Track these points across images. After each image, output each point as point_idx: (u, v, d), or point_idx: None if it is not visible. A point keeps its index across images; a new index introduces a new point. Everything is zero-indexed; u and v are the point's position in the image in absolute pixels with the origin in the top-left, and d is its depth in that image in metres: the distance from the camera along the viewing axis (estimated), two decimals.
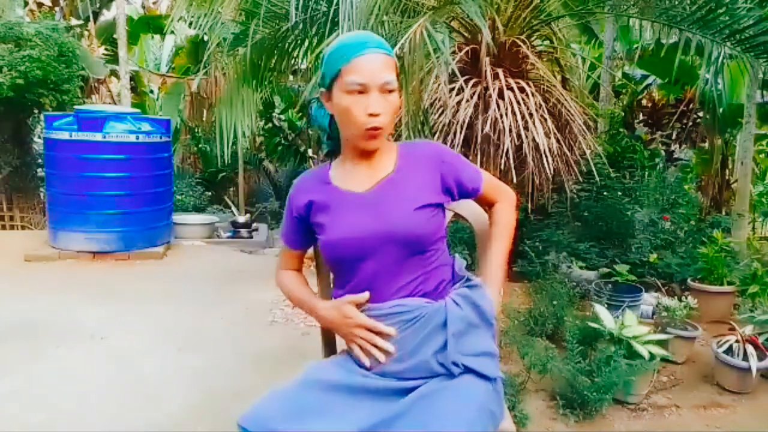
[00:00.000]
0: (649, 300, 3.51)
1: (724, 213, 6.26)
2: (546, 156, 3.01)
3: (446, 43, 3.01)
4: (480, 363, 1.29)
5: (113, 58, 8.48)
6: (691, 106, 6.85)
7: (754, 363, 2.79)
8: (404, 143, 1.44)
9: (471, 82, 3.21)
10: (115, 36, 7.35)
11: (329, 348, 1.62)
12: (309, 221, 1.39)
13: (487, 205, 1.51)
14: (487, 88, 3.15)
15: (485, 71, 3.18)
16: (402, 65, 2.56)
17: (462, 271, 1.41)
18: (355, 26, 2.55)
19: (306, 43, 3.98)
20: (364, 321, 1.29)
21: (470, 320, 1.32)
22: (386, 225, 1.29)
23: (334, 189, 1.36)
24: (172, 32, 9.90)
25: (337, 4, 3.21)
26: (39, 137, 6.33)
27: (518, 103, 3.06)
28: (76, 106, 5.46)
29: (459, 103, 3.17)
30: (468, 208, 1.64)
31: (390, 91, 1.27)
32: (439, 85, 3.34)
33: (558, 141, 3.22)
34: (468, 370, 1.27)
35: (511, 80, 3.17)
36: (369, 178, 1.34)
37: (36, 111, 6.22)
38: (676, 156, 7.08)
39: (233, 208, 7.46)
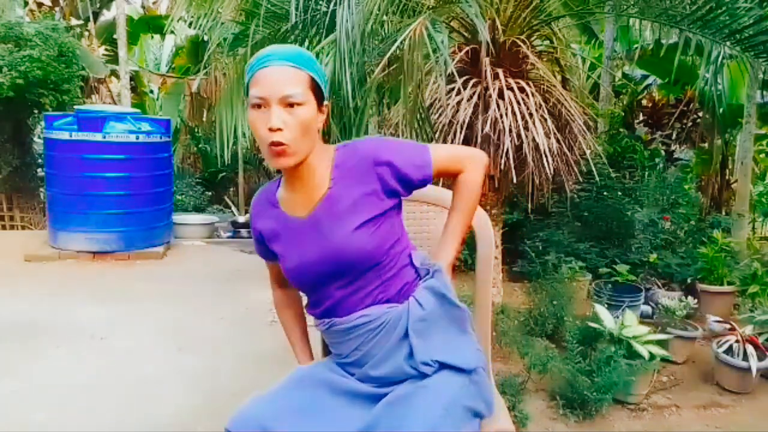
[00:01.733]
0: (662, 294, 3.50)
1: (724, 213, 6.25)
2: (546, 156, 3.00)
3: (445, 42, 3.00)
4: (453, 356, 1.26)
5: (113, 58, 8.48)
6: (691, 106, 6.85)
7: (754, 363, 2.79)
8: (342, 146, 1.31)
9: (471, 82, 3.21)
10: (115, 36, 7.35)
11: (328, 348, 1.62)
12: (267, 246, 1.37)
13: (454, 174, 1.38)
14: (487, 88, 3.15)
15: (485, 71, 3.18)
16: (401, 65, 2.56)
17: (424, 263, 1.34)
18: (354, 28, 2.55)
19: (306, 43, 3.98)
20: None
21: (437, 314, 1.29)
22: (330, 251, 1.25)
23: (281, 214, 1.32)
24: (172, 32, 9.90)
25: (337, 4, 3.21)
26: (39, 137, 6.33)
27: (518, 103, 3.06)
28: (76, 106, 5.46)
29: (459, 103, 3.16)
30: None
31: (293, 105, 1.17)
32: (438, 85, 3.34)
33: (558, 141, 3.21)
34: (442, 365, 1.25)
35: (511, 80, 3.17)
36: (308, 200, 1.28)
37: (36, 111, 6.22)
38: (676, 156, 7.08)
39: (233, 208, 7.47)
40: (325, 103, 1.26)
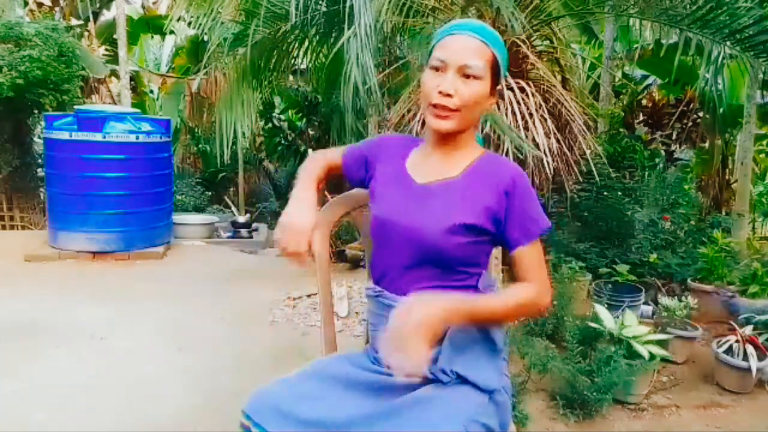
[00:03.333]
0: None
1: (724, 213, 6.26)
2: (546, 156, 3.00)
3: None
4: (475, 373, 1.25)
5: (113, 58, 8.48)
6: (691, 106, 6.85)
7: (754, 363, 2.79)
8: (492, 154, 1.34)
9: None
10: (115, 36, 7.36)
11: (329, 347, 1.62)
12: (369, 174, 1.40)
13: (518, 279, 1.29)
14: None
15: None
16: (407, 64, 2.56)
17: (486, 287, 1.32)
18: (362, 27, 2.55)
19: (306, 43, 3.99)
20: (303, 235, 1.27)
21: (478, 334, 1.28)
22: (416, 228, 1.26)
23: (402, 166, 1.35)
24: (172, 32, 9.90)
25: (338, 4, 3.21)
26: (39, 137, 6.33)
27: (518, 103, 3.05)
28: (76, 106, 5.46)
29: None
30: None
31: (469, 77, 1.21)
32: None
33: (558, 141, 3.21)
34: (463, 380, 1.25)
35: (511, 80, 3.17)
36: (433, 172, 1.30)
37: (36, 111, 6.22)
38: (676, 156, 7.08)
39: (233, 208, 7.46)
40: (498, 87, 1.29)
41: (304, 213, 1.32)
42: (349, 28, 2.66)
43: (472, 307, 1.19)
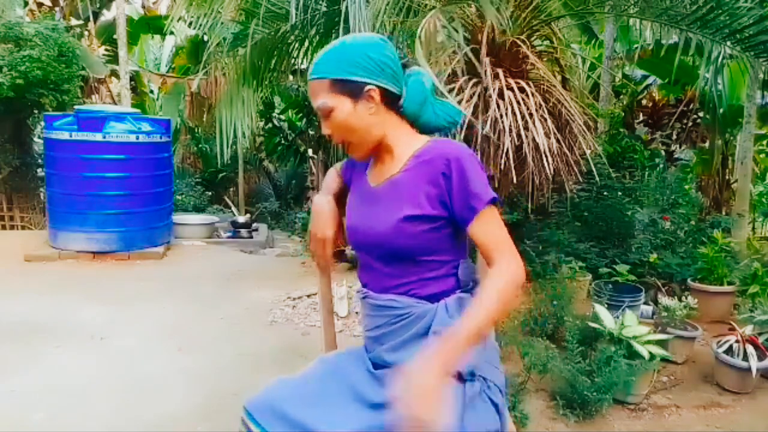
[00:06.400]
0: None
1: (724, 213, 6.26)
2: (546, 156, 3.00)
3: (459, 32, 3.01)
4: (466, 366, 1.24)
5: (113, 58, 8.48)
6: (691, 106, 6.85)
7: (754, 363, 2.79)
8: (435, 140, 1.31)
9: (471, 82, 3.21)
10: (115, 36, 7.35)
11: (329, 347, 1.62)
12: (350, 186, 1.47)
13: (484, 258, 1.24)
14: (487, 88, 3.14)
15: (485, 71, 3.18)
16: (412, 58, 2.57)
17: (467, 276, 1.33)
18: (364, 27, 2.55)
19: (306, 43, 3.98)
20: (327, 237, 1.41)
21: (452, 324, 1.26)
22: (376, 229, 1.31)
23: (364, 175, 1.41)
24: (172, 32, 9.90)
25: (338, 4, 3.21)
26: (39, 137, 6.33)
27: (518, 103, 3.05)
28: (76, 106, 5.47)
29: (459, 103, 3.16)
30: None
31: (328, 114, 1.26)
32: (441, 83, 3.34)
33: (558, 141, 3.21)
34: (458, 377, 1.23)
35: (511, 80, 3.16)
36: (382, 174, 1.35)
37: (36, 111, 6.22)
38: (676, 156, 7.09)
39: (233, 208, 7.47)
40: (368, 88, 1.25)
41: (321, 225, 1.43)
42: (348, 29, 2.66)
43: (461, 336, 1.12)
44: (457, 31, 2.92)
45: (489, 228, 1.22)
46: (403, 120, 1.33)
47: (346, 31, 2.58)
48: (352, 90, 1.25)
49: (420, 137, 1.34)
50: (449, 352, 1.10)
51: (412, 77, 1.32)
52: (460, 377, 1.24)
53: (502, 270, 1.18)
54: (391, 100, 1.30)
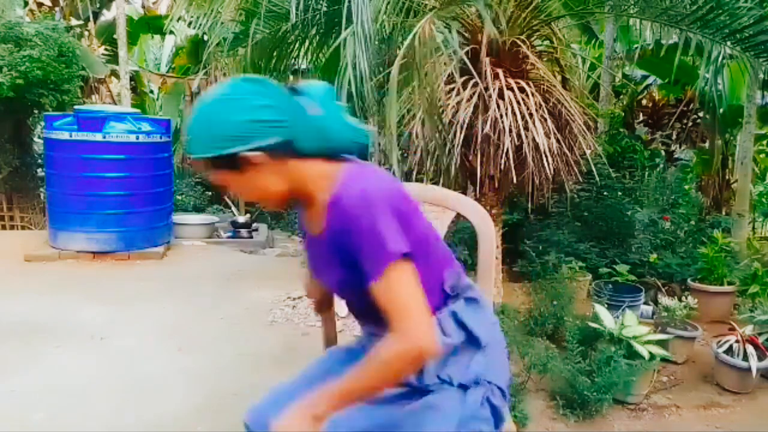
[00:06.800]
0: None
1: (724, 213, 6.26)
2: (546, 156, 3.00)
3: (454, 36, 3.01)
4: (447, 370, 1.23)
5: (113, 58, 8.48)
6: (691, 106, 6.86)
7: (754, 363, 2.79)
8: (337, 195, 1.12)
9: (471, 82, 3.21)
10: (115, 36, 7.35)
11: (330, 347, 1.62)
12: None
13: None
14: (487, 88, 3.15)
15: (485, 71, 3.18)
16: (409, 61, 2.57)
17: (456, 288, 1.26)
18: (364, 28, 2.55)
19: (306, 43, 3.98)
20: None
21: (459, 340, 1.24)
22: (328, 283, 1.32)
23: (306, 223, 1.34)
24: (172, 32, 9.89)
25: (338, 4, 3.21)
26: (39, 137, 6.33)
27: (518, 103, 3.06)
28: (76, 106, 5.46)
29: (459, 103, 3.16)
30: (468, 206, 1.64)
31: (224, 184, 1.15)
32: (439, 85, 3.34)
33: (558, 141, 3.21)
34: (455, 384, 1.23)
35: (511, 80, 3.17)
36: (311, 222, 1.24)
37: (36, 111, 6.22)
38: (676, 156, 7.09)
39: (233, 208, 7.45)
40: (244, 156, 1.09)
41: (308, 290, 1.52)
42: (348, 29, 2.66)
43: (334, 393, 1.10)
44: (451, 34, 2.93)
45: (386, 294, 1.09)
46: (309, 157, 1.16)
47: (348, 26, 2.58)
48: (230, 163, 1.10)
49: (332, 170, 1.16)
50: (317, 406, 1.09)
51: (303, 112, 1.14)
52: (463, 386, 1.22)
53: (396, 340, 1.07)
54: (284, 148, 1.12)
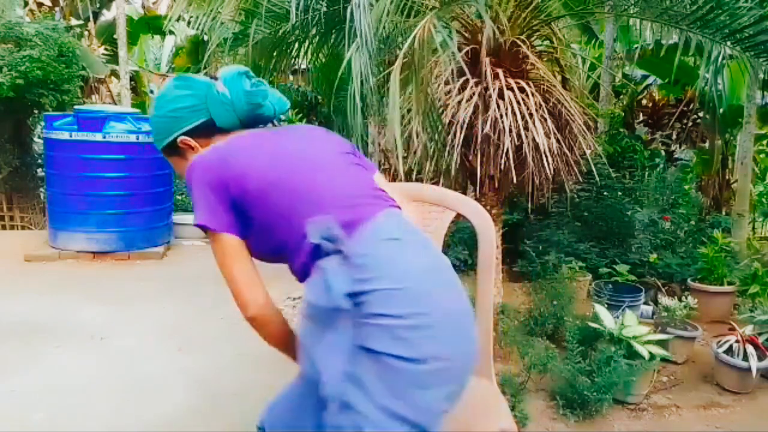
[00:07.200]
0: None
1: (724, 213, 6.26)
2: (546, 156, 3.00)
3: (453, 37, 3.01)
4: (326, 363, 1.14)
5: (113, 58, 8.48)
6: (691, 106, 6.85)
7: (754, 363, 2.79)
8: (199, 154, 1.31)
9: (471, 83, 3.21)
10: (115, 36, 7.35)
11: None
12: None
13: None
14: (487, 88, 3.14)
15: (485, 71, 3.18)
16: (410, 61, 2.57)
17: (325, 235, 1.13)
18: (367, 29, 2.55)
19: (306, 43, 3.98)
20: None
21: (324, 312, 1.11)
22: None
23: None
24: (172, 32, 9.89)
25: (338, 4, 3.21)
26: (39, 137, 6.32)
27: (518, 103, 3.05)
28: (76, 106, 5.46)
29: (459, 103, 3.16)
30: (468, 206, 1.64)
31: (177, 167, 1.38)
32: (439, 85, 3.34)
33: (558, 141, 3.21)
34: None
35: (511, 80, 3.16)
36: None
37: (36, 111, 6.22)
38: (676, 156, 7.09)
39: None
40: (177, 141, 1.32)
41: None
42: (349, 29, 2.66)
43: None
44: (451, 36, 2.92)
45: (216, 262, 1.32)
46: (230, 132, 1.32)
47: (350, 30, 2.58)
48: (170, 150, 1.34)
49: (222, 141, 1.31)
50: None
51: (214, 93, 1.30)
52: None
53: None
54: (208, 127, 1.31)
